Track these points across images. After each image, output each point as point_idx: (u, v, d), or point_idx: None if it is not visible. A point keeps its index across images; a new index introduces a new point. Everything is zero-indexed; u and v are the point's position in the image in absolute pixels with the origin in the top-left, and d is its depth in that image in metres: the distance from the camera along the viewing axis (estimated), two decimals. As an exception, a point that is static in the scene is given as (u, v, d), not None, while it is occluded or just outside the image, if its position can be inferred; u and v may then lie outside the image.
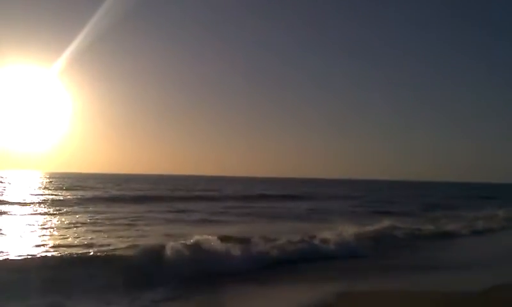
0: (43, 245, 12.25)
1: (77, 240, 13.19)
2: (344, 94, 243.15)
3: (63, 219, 18.61)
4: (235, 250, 11.21)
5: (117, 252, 10.98)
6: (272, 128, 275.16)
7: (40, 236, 14.04)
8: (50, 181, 67.13)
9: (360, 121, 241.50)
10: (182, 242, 10.97)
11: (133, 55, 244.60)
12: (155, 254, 10.20)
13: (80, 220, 18.51)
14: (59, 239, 13.36)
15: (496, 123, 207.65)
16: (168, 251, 10.38)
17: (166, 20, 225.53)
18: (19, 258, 10.09)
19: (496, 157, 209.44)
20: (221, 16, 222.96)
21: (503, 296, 8.62)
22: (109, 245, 12.25)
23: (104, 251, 11.15)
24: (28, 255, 10.38)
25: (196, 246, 10.83)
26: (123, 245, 12.05)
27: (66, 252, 10.83)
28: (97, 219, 19.20)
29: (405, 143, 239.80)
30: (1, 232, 14.60)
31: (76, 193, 37.27)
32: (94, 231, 15.20)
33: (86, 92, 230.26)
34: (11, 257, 10.20)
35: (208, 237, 11.35)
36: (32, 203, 26.19)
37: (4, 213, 20.80)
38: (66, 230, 15.44)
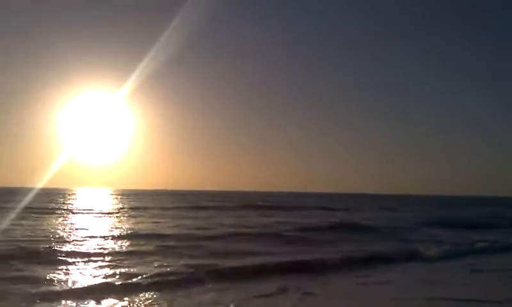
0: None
1: None
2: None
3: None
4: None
5: None
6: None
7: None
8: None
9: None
10: None
11: (196, 80, 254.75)
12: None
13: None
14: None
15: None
16: None
17: (231, 45, 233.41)
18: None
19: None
20: (291, 38, 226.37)
21: None
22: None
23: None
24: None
25: None
26: None
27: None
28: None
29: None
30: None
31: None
32: None
33: (151, 115, 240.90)
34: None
35: None
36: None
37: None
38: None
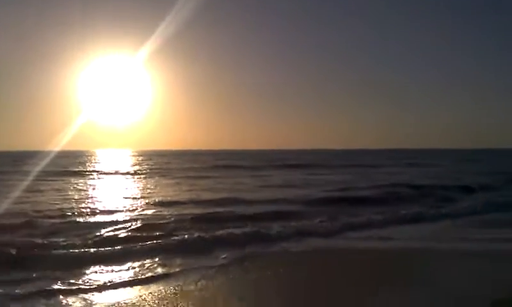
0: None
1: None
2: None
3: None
4: None
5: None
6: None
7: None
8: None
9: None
10: None
11: (215, 42, 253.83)
12: None
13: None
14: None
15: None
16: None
17: (248, 8, 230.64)
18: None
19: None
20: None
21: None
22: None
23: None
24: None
25: None
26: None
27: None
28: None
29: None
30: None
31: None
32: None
33: (169, 76, 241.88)
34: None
35: None
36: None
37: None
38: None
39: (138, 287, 7.14)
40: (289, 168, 45.15)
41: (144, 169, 42.84)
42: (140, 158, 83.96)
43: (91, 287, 7.08)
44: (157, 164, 54.18)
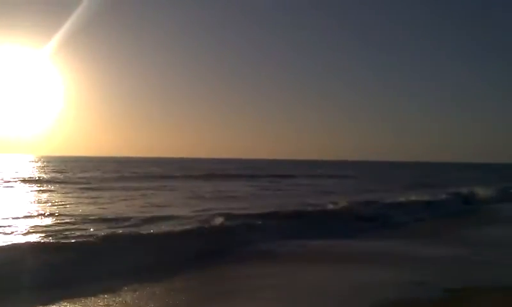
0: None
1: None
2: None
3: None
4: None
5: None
6: (270, 110, 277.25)
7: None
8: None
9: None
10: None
11: (127, 36, 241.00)
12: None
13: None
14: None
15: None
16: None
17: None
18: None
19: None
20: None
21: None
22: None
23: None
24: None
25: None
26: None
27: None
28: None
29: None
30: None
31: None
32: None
33: (78, 74, 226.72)
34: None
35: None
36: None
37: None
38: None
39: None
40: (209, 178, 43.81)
41: (42, 177, 38.84)
42: (42, 164, 77.40)
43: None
44: (60, 172, 49.87)
